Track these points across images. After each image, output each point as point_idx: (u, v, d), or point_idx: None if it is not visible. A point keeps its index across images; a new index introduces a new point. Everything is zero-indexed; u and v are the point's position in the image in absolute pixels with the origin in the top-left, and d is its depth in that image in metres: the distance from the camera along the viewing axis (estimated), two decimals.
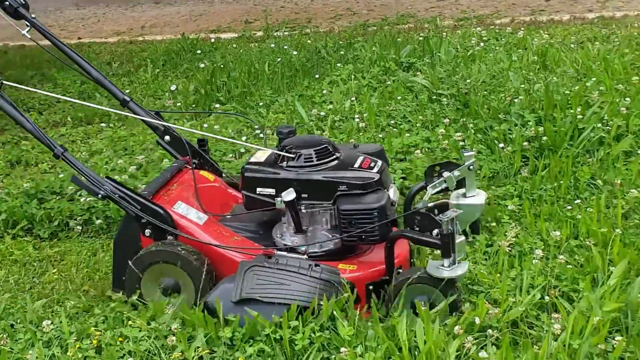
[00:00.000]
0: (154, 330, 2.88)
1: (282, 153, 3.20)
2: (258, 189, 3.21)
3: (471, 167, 3.04)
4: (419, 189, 3.29)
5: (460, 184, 3.06)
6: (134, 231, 3.19)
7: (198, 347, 2.76)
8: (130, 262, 3.10)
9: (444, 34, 6.97)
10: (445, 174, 3.05)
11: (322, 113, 5.21)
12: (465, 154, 3.05)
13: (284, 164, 3.19)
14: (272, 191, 3.17)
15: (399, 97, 5.32)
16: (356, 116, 5.05)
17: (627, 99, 4.73)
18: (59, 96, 4.01)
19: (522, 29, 7.03)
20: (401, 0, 9.42)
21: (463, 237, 2.88)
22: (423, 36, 6.79)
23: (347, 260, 3.13)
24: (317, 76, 6.10)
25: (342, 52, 6.62)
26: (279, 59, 6.52)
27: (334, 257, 3.13)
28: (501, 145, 4.34)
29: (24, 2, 3.59)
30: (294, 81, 6.09)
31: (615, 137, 4.35)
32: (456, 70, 5.67)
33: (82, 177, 3.15)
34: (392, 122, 4.95)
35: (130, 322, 2.93)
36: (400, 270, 3.00)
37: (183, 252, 3.05)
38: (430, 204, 3.04)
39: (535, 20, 7.60)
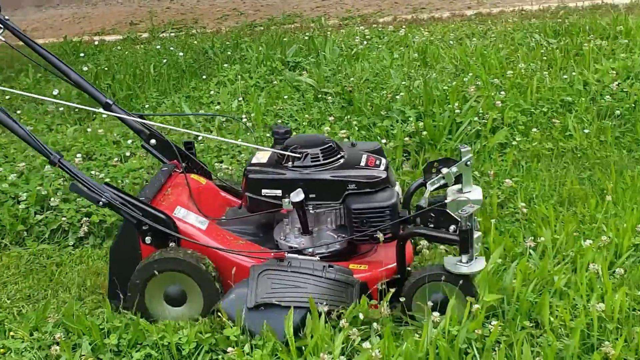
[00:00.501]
0: (37, 340, 2.82)
1: (287, 153, 3.11)
2: (263, 191, 3.11)
3: (468, 162, 3.00)
4: (418, 186, 3.24)
5: (457, 179, 3.01)
6: (133, 239, 3.06)
7: (82, 355, 2.72)
8: (135, 270, 3.00)
9: (329, 33, 7.08)
10: (444, 171, 3.01)
11: (210, 113, 5.21)
12: (462, 150, 2.99)
13: (289, 164, 3.11)
14: (278, 192, 3.09)
15: (285, 97, 5.37)
16: (244, 116, 5.08)
17: (502, 92, 4.95)
18: (52, 99, 3.86)
19: (404, 27, 7.22)
20: (287, 0, 9.49)
21: (479, 233, 2.89)
22: (308, 36, 6.88)
23: (356, 260, 3.10)
24: (204, 77, 6.08)
25: (229, 53, 6.62)
26: (165, 61, 6.46)
27: (341, 257, 3.09)
28: (384, 141, 4.46)
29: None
30: (181, 82, 6.05)
31: (492, 129, 4.55)
32: (340, 68, 5.78)
33: (81, 185, 3.01)
34: (280, 121, 5.00)
35: (12, 333, 2.86)
36: (409, 269, 3.00)
37: (191, 258, 2.96)
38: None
39: (417, 18, 7.82)
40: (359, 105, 4.92)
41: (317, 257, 3.03)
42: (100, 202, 3.00)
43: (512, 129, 4.58)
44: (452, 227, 2.95)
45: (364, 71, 5.64)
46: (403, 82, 5.29)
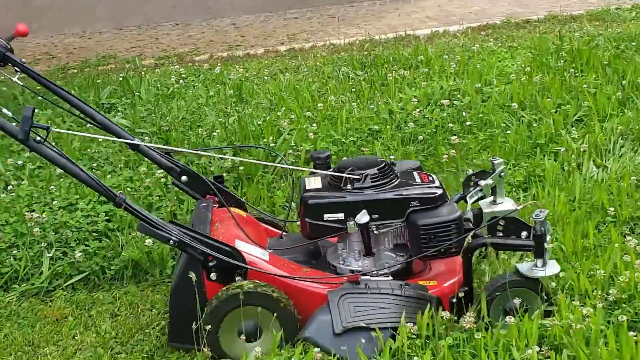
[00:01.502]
0: None
1: (346, 175, 3.11)
2: (325, 216, 3.08)
3: (501, 174, 3.17)
4: (458, 200, 3.29)
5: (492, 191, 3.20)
6: (198, 280, 2.96)
7: None
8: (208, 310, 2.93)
9: (144, 73, 7.05)
10: (482, 183, 3.17)
11: (20, 162, 5.02)
12: (495, 162, 3.18)
13: (348, 186, 3.11)
14: (340, 216, 3.07)
15: (100, 139, 5.29)
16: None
17: (315, 124, 5.15)
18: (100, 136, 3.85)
19: (220, 64, 7.33)
20: (101, 42, 9.34)
21: (548, 237, 2.98)
22: (122, 76, 6.81)
23: (422, 277, 3.15)
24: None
25: (39, 98, 6.41)
26: None
27: (400, 277, 3.09)
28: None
29: (9, 47, 3.27)
30: None
31: (307, 160, 4.72)
32: (156, 108, 5.77)
33: (149, 225, 2.95)
34: (95, 164, 4.91)
35: None
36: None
37: (268, 290, 2.93)
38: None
39: (232, 56, 7.95)
40: (176, 144, 4.94)
41: (391, 277, 3.06)
42: (171, 241, 2.95)
43: None
44: (523, 234, 3.06)
45: (180, 110, 5.67)
46: (219, 119, 5.37)
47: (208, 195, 3.43)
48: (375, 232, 3.12)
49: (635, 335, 2.72)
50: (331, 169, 3.24)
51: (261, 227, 3.50)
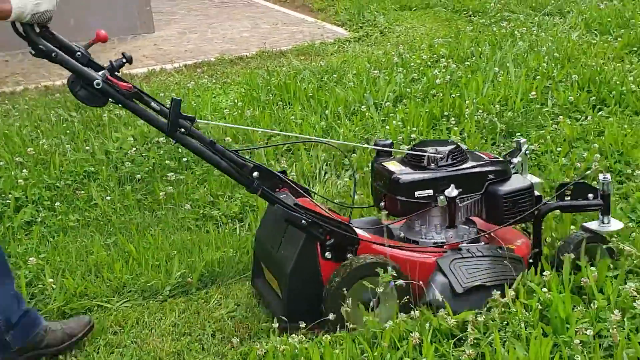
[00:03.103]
0: None
1: (431, 154, 3.42)
2: (416, 193, 3.37)
3: (527, 152, 3.69)
4: None
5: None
6: (312, 258, 3.22)
7: None
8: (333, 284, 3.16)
9: None
10: (514, 160, 3.63)
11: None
12: (521, 141, 3.69)
13: (432, 165, 3.42)
14: (430, 192, 3.38)
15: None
16: None
17: (25, 170, 4.95)
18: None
19: None
20: None
21: None
22: None
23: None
24: None
25: None
26: None
27: None
28: None
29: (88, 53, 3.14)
30: None
31: (16, 208, 4.52)
32: None
33: (284, 208, 3.18)
34: None
35: None
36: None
37: (386, 262, 3.18)
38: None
39: None
40: None
41: (483, 243, 3.48)
42: (303, 222, 3.17)
43: (37, 205, 4.61)
44: (590, 196, 3.47)
45: None
46: None
47: (278, 189, 3.42)
48: (460, 205, 3.44)
49: None
50: (408, 151, 3.55)
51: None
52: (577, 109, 5.49)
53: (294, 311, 3.23)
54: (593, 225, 3.50)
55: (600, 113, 5.37)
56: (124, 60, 3.15)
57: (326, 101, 6.03)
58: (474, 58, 6.82)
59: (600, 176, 3.46)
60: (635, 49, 6.88)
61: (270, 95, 6.36)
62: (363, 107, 5.82)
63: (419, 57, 7.02)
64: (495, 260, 3.32)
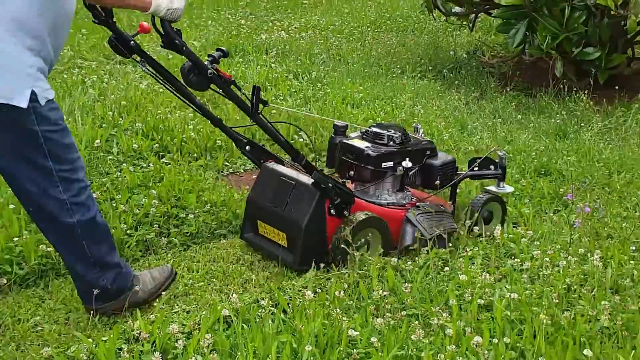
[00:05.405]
0: None
1: (388, 134, 4.44)
2: (383, 164, 4.35)
3: (422, 134, 4.80)
4: None
5: None
6: (321, 215, 4.03)
7: None
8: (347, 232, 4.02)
9: None
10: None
11: None
12: (418, 126, 4.78)
13: (391, 143, 4.40)
14: (391, 163, 4.37)
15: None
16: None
17: None
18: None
19: None
20: None
21: None
22: None
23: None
24: None
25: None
26: None
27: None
28: None
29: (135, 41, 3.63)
30: None
31: None
32: None
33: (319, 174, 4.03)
34: None
35: None
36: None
37: (378, 218, 4.19)
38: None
39: None
40: None
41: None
42: (329, 184, 4.03)
43: None
44: (491, 167, 4.75)
45: None
46: None
47: (264, 160, 4.34)
48: (409, 173, 4.44)
49: None
50: (369, 130, 4.48)
51: None
52: (141, 156, 5.66)
53: (305, 257, 4.01)
54: (492, 188, 4.80)
55: (162, 160, 5.61)
56: (222, 53, 3.81)
57: None
58: None
59: (499, 153, 4.82)
60: (198, 98, 7.33)
61: None
62: None
63: None
64: (443, 215, 4.42)
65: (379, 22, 11.92)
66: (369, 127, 4.52)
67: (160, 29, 3.59)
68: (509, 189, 4.87)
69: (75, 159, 3.43)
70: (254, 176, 5.62)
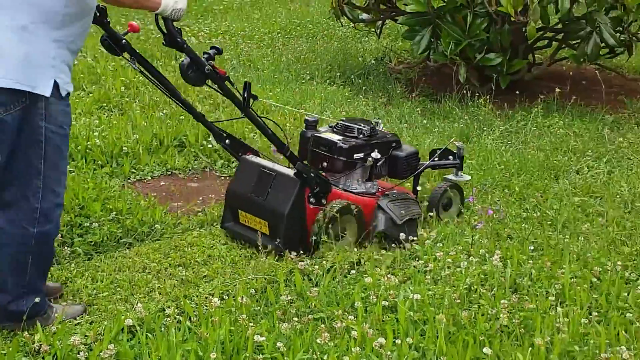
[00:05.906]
0: None
1: (358, 127, 4.73)
2: (355, 155, 4.59)
3: (381, 127, 5.07)
4: None
5: None
6: (301, 204, 4.31)
7: None
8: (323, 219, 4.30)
9: None
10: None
11: None
12: (378, 121, 5.07)
13: (361, 136, 4.68)
14: (361, 155, 4.62)
15: None
16: None
17: None
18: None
19: None
20: None
21: None
22: None
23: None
24: None
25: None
26: None
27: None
28: None
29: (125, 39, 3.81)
30: None
31: None
32: None
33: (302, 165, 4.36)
34: None
35: None
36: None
37: (354, 205, 4.44)
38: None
39: None
40: None
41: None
42: (309, 175, 4.30)
43: None
44: (450, 157, 5.16)
45: None
46: None
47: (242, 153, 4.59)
48: (378, 164, 4.69)
49: None
50: (338, 124, 4.76)
51: None
52: None
53: (287, 243, 4.24)
54: (451, 177, 5.19)
55: None
56: (216, 51, 4.01)
57: None
58: None
59: (457, 144, 5.22)
60: (104, 104, 7.22)
61: None
62: None
63: None
64: (411, 201, 4.70)
65: (289, 28, 11.98)
66: (339, 122, 4.81)
67: (163, 28, 3.79)
68: (466, 177, 5.29)
69: (64, 172, 3.41)
70: (162, 183, 5.58)
